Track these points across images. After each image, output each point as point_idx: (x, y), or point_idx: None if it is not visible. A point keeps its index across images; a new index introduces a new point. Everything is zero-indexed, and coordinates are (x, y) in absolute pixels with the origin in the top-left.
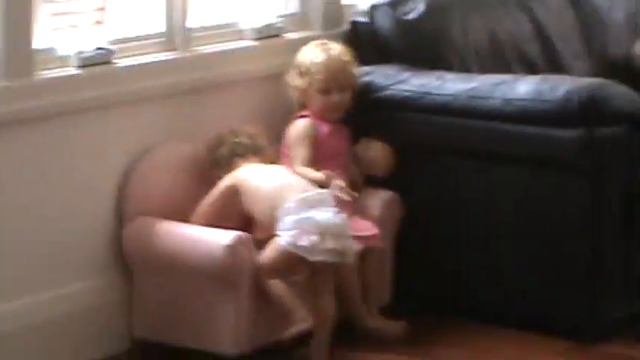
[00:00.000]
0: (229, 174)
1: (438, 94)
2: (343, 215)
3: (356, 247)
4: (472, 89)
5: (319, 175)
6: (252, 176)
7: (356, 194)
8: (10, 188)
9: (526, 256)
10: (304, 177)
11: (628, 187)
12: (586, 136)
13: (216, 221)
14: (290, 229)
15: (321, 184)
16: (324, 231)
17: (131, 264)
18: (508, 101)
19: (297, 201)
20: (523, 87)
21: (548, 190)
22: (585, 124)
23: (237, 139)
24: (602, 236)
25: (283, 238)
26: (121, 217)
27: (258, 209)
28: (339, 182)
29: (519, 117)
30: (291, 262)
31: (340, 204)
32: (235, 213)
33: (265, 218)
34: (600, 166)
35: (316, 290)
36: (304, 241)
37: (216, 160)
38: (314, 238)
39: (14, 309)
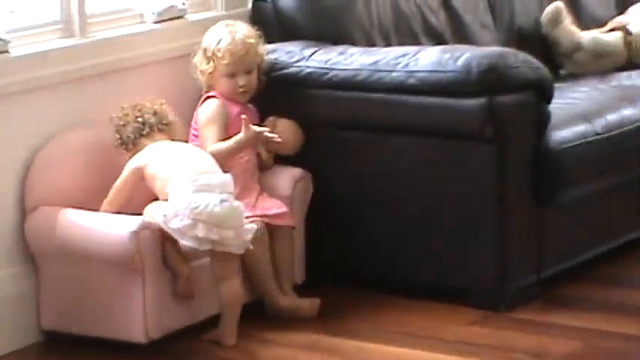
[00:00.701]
0: (134, 155)
1: (341, 69)
2: (231, 205)
3: (246, 236)
4: (375, 63)
5: (237, 137)
6: (153, 158)
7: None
8: None
9: (435, 227)
10: (221, 152)
11: (535, 153)
12: (487, 104)
13: (126, 206)
14: (170, 208)
15: (245, 144)
16: (198, 218)
17: (36, 255)
18: (410, 73)
19: (186, 182)
20: (425, 58)
21: (455, 160)
22: (486, 92)
23: (141, 119)
24: (508, 204)
25: (159, 214)
26: (23, 207)
27: (158, 190)
28: (260, 129)
29: (422, 89)
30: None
31: (248, 181)
32: (143, 196)
33: (165, 198)
34: (503, 135)
35: (216, 275)
36: (175, 223)
37: (123, 141)
38: (185, 222)
39: None
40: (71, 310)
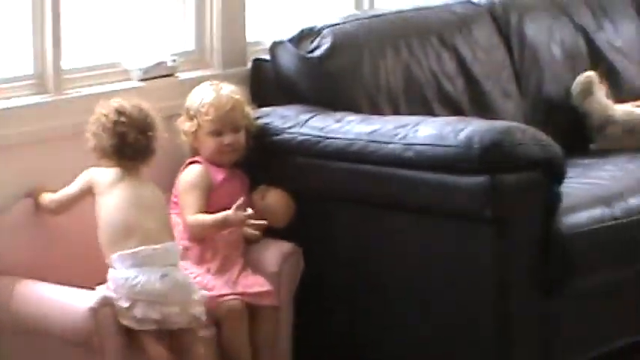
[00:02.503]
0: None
1: (336, 138)
2: (174, 278)
3: (194, 310)
4: (372, 132)
5: (223, 215)
6: (107, 189)
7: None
8: None
9: (428, 314)
10: (202, 225)
11: (542, 238)
12: (489, 183)
13: (68, 209)
14: (108, 285)
15: (229, 224)
16: (136, 297)
17: None
18: (408, 146)
19: (125, 255)
20: (424, 130)
21: (452, 242)
22: (488, 170)
23: (118, 137)
24: (511, 293)
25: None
26: None
27: (99, 227)
28: (248, 215)
29: (419, 163)
30: None
31: (231, 255)
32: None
33: (102, 244)
34: (506, 217)
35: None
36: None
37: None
38: (122, 304)
39: None
40: None
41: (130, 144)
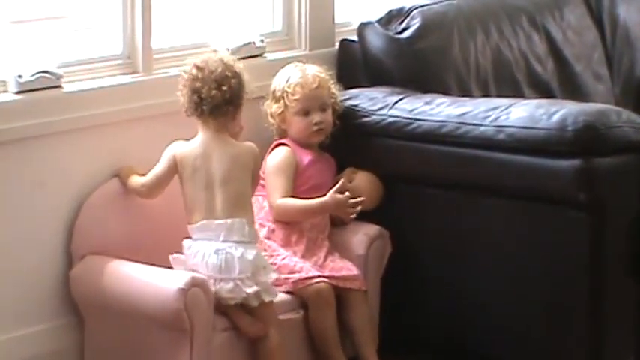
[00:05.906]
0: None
1: (426, 120)
2: (230, 253)
3: (255, 289)
4: (462, 115)
5: (314, 202)
6: (190, 165)
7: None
8: None
9: (519, 298)
10: (295, 209)
11: (638, 224)
12: (583, 167)
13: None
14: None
15: (326, 210)
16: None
17: (81, 307)
18: (500, 128)
19: (191, 228)
20: (517, 113)
21: (544, 226)
22: (582, 153)
23: (194, 93)
24: (604, 280)
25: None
26: (70, 255)
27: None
28: (345, 196)
29: (511, 145)
30: None
31: (317, 238)
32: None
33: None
34: (599, 202)
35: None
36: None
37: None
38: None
39: None
40: None
41: (205, 99)
